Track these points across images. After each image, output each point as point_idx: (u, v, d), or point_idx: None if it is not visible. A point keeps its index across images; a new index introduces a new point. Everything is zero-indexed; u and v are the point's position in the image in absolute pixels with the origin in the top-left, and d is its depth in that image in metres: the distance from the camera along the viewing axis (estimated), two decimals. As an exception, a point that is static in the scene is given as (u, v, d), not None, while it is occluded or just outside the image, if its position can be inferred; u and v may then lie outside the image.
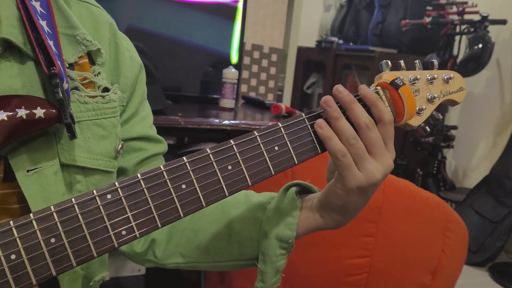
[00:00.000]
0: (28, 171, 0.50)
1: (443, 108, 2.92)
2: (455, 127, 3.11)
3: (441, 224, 1.34)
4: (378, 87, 0.58)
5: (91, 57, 0.59)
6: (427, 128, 0.61)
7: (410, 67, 0.64)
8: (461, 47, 2.92)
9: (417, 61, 0.62)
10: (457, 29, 2.84)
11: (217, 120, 1.38)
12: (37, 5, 0.53)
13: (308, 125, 0.54)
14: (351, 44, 3.60)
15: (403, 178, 1.39)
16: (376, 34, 3.38)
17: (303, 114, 0.54)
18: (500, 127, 2.97)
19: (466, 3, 2.76)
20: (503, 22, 2.70)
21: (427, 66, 0.63)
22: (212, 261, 0.64)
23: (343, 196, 0.54)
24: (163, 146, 0.72)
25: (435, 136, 2.91)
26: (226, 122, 1.38)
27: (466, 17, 2.75)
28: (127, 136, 0.65)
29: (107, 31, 0.62)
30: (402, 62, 0.61)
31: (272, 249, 0.58)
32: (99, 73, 0.59)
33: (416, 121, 0.60)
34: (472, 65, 2.67)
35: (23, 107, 0.48)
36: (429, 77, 0.61)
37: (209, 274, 1.52)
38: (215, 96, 1.74)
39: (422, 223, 1.34)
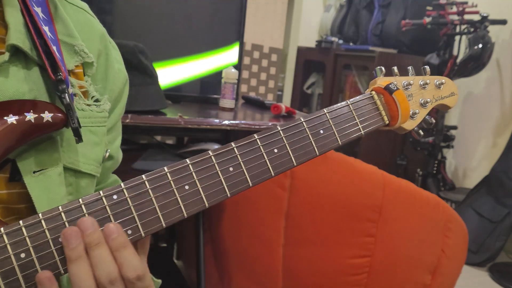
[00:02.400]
0: (34, 172, 0.51)
1: (443, 108, 2.92)
2: (455, 127, 3.11)
3: (441, 224, 1.34)
4: (373, 92, 0.61)
5: (84, 68, 0.60)
6: (421, 132, 0.64)
7: (411, 66, 0.65)
8: (461, 47, 2.93)
9: (410, 67, 0.64)
10: (457, 29, 2.84)
11: (217, 120, 1.38)
12: (38, 10, 0.54)
13: (306, 128, 0.56)
14: (351, 44, 3.60)
15: (403, 178, 1.39)
16: (376, 34, 3.38)
17: (301, 118, 0.56)
18: (500, 127, 2.97)
19: (466, 3, 2.76)
20: (503, 22, 2.70)
21: (421, 72, 0.66)
22: None
23: None
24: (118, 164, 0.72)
25: (435, 136, 2.91)
26: (226, 122, 1.38)
27: (466, 17, 2.75)
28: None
29: (98, 43, 0.63)
30: (395, 68, 0.63)
31: None
32: (90, 84, 0.60)
33: (410, 125, 0.62)
34: (472, 65, 2.68)
35: (31, 111, 0.49)
36: (421, 83, 0.63)
37: (210, 274, 1.52)
38: (215, 96, 1.74)
39: (422, 223, 1.34)
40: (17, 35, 0.52)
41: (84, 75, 0.60)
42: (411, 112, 0.61)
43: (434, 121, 0.64)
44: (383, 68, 0.63)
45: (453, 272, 1.39)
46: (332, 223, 1.31)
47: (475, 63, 2.66)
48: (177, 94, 1.69)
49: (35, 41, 0.52)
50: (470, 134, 3.16)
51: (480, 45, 2.61)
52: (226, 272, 1.46)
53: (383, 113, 0.60)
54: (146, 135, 1.85)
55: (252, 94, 2.56)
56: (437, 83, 0.64)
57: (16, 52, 0.52)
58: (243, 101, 1.99)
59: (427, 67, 0.65)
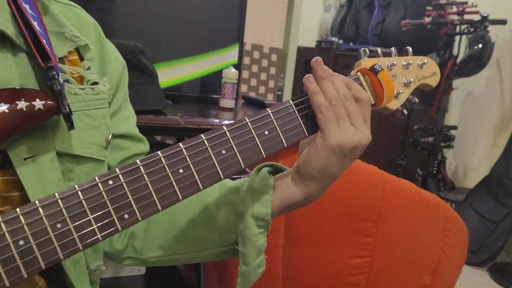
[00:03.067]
0: (25, 159, 0.51)
1: (443, 108, 2.92)
2: (455, 127, 3.11)
3: (441, 224, 1.34)
4: (359, 73, 0.62)
5: (80, 53, 0.61)
6: (405, 111, 0.65)
7: (393, 47, 0.67)
8: (461, 47, 2.93)
9: (392, 48, 0.66)
10: (457, 29, 2.84)
11: (217, 120, 1.38)
12: (27, 7, 0.55)
13: (295, 110, 0.57)
14: (351, 44, 3.60)
15: (403, 178, 1.39)
16: (376, 34, 3.38)
17: (290, 101, 0.57)
18: (500, 127, 2.97)
19: (466, 3, 2.76)
20: (503, 22, 2.70)
21: (403, 52, 0.67)
22: (193, 251, 0.65)
23: (323, 156, 0.55)
24: (145, 146, 0.74)
25: (435, 136, 2.91)
26: (226, 122, 1.38)
27: (466, 17, 2.75)
28: (111, 131, 0.66)
29: (92, 31, 0.64)
30: (379, 49, 0.64)
31: (249, 228, 0.59)
32: (89, 68, 0.61)
33: (394, 105, 0.64)
34: (472, 65, 2.67)
35: (22, 99, 0.49)
36: (404, 63, 0.65)
37: (209, 274, 1.52)
38: (215, 96, 1.74)
39: (422, 223, 1.34)
40: (2, 21, 0.52)
41: (84, 59, 0.60)
42: (395, 92, 0.63)
43: (417, 100, 0.65)
44: (367, 50, 0.64)
45: (453, 272, 1.39)
46: (332, 223, 1.31)
47: (475, 63, 2.66)
48: (177, 94, 1.69)
49: (24, 32, 0.52)
50: (470, 134, 3.16)
51: (480, 45, 2.61)
52: (226, 273, 1.46)
53: (369, 93, 0.61)
54: (146, 135, 1.84)
55: (252, 94, 2.56)
56: (419, 63, 0.66)
57: (3, 39, 0.52)
58: (243, 101, 1.99)
59: (409, 48, 0.66)
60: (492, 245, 2.54)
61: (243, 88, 2.58)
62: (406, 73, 0.65)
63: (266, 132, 0.55)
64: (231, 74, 1.61)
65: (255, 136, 0.54)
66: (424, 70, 0.66)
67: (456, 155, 3.26)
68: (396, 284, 1.33)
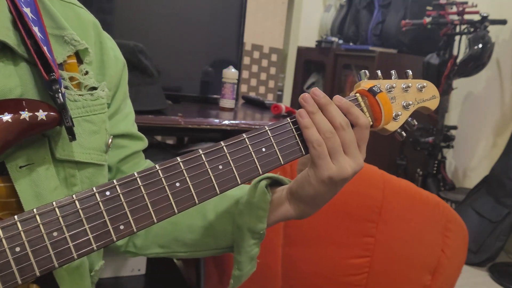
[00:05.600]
0: (20, 167, 0.51)
1: (443, 108, 2.92)
2: (455, 127, 3.11)
3: (441, 224, 1.34)
4: (357, 94, 0.63)
5: (79, 56, 0.60)
6: (403, 133, 0.66)
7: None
8: (461, 47, 2.92)
9: (393, 71, 0.67)
10: (457, 29, 2.84)
11: (217, 120, 1.38)
12: (27, 11, 0.54)
13: (293, 129, 0.57)
14: (351, 44, 3.60)
15: (403, 178, 1.39)
16: (376, 34, 3.38)
17: (288, 119, 0.58)
18: (500, 127, 2.97)
19: (466, 3, 2.76)
20: (503, 22, 2.70)
21: (403, 75, 0.68)
22: (190, 251, 0.70)
23: (315, 186, 0.57)
24: (143, 143, 0.75)
25: (435, 136, 2.91)
26: (226, 122, 1.38)
27: (466, 17, 2.75)
28: (111, 133, 0.66)
29: (92, 31, 0.64)
30: (379, 72, 0.65)
31: (245, 240, 0.64)
32: (86, 72, 0.60)
33: (392, 126, 0.64)
34: (472, 65, 2.67)
35: (26, 109, 0.50)
36: (404, 86, 0.65)
37: (209, 274, 1.52)
38: (215, 96, 1.75)
39: (422, 223, 1.34)
40: (4, 31, 0.52)
41: (82, 63, 0.60)
42: (394, 114, 0.63)
43: (416, 123, 0.66)
44: (367, 72, 0.65)
45: (453, 272, 1.39)
46: (332, 223, 1.31)
47: (475, 63, 2.66)
48: (177, 94, 1.69)
49: (26, 41, 0.52)
50: (470, 134, 3.16)
51: (480, 45, 2.61)
52: (226, 273, 1.46)
53: (367, 114, 0.62)
54: (146, 135, 1.85)
55: (252, 94, 2.56)
56: (418, 86, 0.67)
57: (3, 48, 0.52)
58: (243, 101, 1.99)
59: (409, 71, 0.67)
60: (492, 245, 2.54)
61: (243, 88, 2.58)
62: (405, 96, 0.65)
63: (264, 149, 0.56)
64: (231, 74, 1.61)
65: (252, 152, 0.55)
66: (423, 93, 0.67)
67: (456, 155, 3.26)
68: (396, 284, 1.33)
